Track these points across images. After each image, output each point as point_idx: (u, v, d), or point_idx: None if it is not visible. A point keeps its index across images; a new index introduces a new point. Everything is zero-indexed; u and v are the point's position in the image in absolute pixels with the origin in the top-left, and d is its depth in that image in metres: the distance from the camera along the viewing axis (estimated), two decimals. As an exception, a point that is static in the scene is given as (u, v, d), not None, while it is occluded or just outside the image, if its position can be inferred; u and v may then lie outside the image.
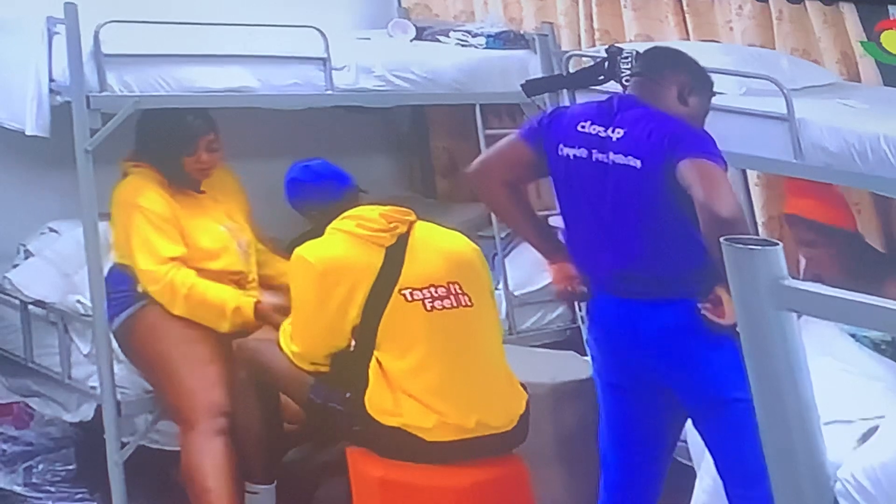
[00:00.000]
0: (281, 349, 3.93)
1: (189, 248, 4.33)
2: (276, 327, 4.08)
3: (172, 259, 4.28)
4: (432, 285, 3.86)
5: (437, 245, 3.99)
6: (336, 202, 4.01)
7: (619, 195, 3.40)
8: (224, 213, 4.50)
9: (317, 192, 4.06)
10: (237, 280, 4.39)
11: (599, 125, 3.45)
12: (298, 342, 3.88)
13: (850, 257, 4.19)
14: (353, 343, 3.85)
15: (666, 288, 3.36)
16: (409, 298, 3.82)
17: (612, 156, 3.40)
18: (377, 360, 3.78)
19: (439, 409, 3.76)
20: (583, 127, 3.48)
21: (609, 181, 3.41)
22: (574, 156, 3.48)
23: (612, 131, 3.42)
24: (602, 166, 3.43)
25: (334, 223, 3.93)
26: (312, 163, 4.16)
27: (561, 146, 3.51)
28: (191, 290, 4.25)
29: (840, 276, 4.16)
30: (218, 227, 4.44)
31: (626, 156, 3.37)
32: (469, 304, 3.90)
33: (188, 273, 4.28)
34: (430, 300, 3.84)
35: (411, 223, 3.97)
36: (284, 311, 4.13)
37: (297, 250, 3.89)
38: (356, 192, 4.10)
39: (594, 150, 3.45)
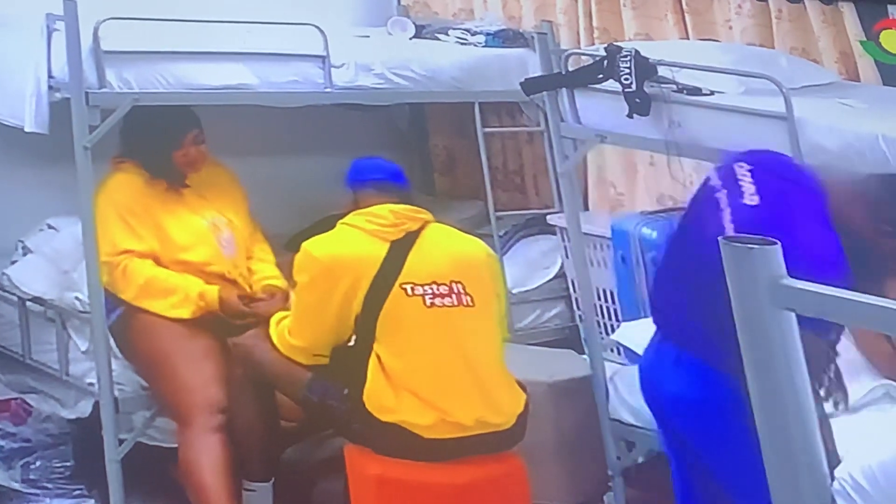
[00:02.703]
0: (272, 345, 3.93)
1: (162, 241, 4.37)
2: (240, 317, 4.17)
3: (127, 252, 4.31)
4: (434, 282, 3.86)
5: (447, 246, 4.00)
6: (390, 192, 4.02)
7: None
8: (210, 208, 4.53)
9: (386, 174, 4.10)
10: (215, 274, 4.41)
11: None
12: (301, 336, 3.88)
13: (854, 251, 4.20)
14: (353, 337, 3.86)
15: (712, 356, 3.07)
16: (410, 293, 3.82)
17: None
18: (377, 355, 3.78)
19: (439, 406, 3.76)
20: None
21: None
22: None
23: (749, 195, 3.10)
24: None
25: (346, 218, 3.95)
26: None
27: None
28: (150, 279, 4.30)
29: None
30: (197, 221, 4.47)
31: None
32: (471, 304, 3.89)
33: (145, 263, 4.31)
34: (431, 297, 3.84)
35: (425, 223, 3.97)
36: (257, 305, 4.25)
37: (305, 244, 3.90)
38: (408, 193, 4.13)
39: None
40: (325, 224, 4.02)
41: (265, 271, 4.54)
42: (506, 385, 3.95)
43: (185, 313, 4.29)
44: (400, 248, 3.87)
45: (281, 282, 4.48)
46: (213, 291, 4.31)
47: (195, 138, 4.48)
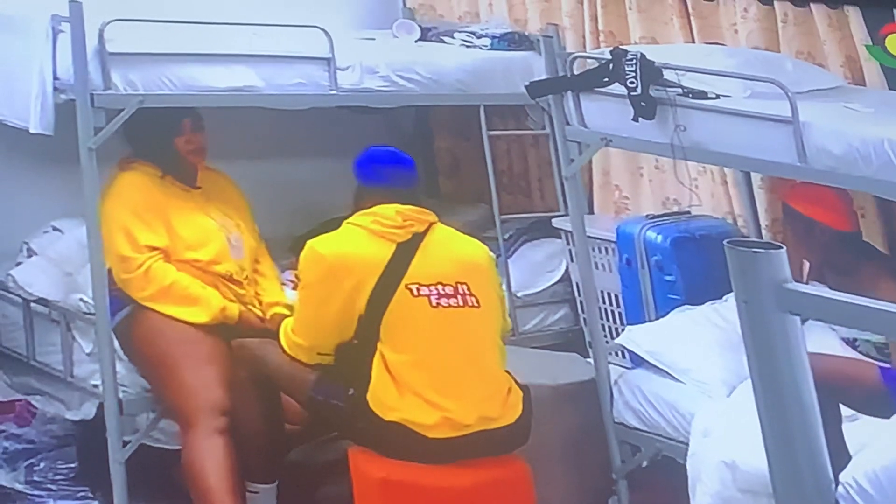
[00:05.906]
0: (282, 347, 3.94)
1: (172, 238, 4.37)
2: (258, 334, 4.18)
3: (151, 248, 4.31)
4: (440, 283, 3.88)
5: (452, 248, 4.02)
6: (401, 195, 4.00)
7: None
8: (218, 210, 4.55)
9: (402, 181, 4.05)
10: (223, 275, 4.41)
11: None
12: (304, 334, 3.89)
13: (835, 256, 4.21)
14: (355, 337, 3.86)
15: None
16: (416, 293, 3.84)
17: None
18: (381, 353, 3.79)
19: (441, 405, 3.77)
20: None
21: None
22: None
23: None
24: None
25: (352, 218, 3.97)
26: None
27: None
28: (174, 283, 4.30)
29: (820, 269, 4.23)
30: (206, 220, 4.49)
31: None
32: (476, 305, 3.92)
33: (169, 267, 4.32)
34: (437, 297, 3.86)
35: (430, 224, 3.98)
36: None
37: (310, 242, 3.92)
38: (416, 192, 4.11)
39: None
40: (329, 227, 4.03)
41: (273, 294, 4.55)
42: (506, 385, 3.96)
43: (201, 319, 4.30)
44: (406, 250, 3.88)
45: (288, 310, 4.49)
46: (234, 309, 4.33)
47: (193, 124, 4.51)
